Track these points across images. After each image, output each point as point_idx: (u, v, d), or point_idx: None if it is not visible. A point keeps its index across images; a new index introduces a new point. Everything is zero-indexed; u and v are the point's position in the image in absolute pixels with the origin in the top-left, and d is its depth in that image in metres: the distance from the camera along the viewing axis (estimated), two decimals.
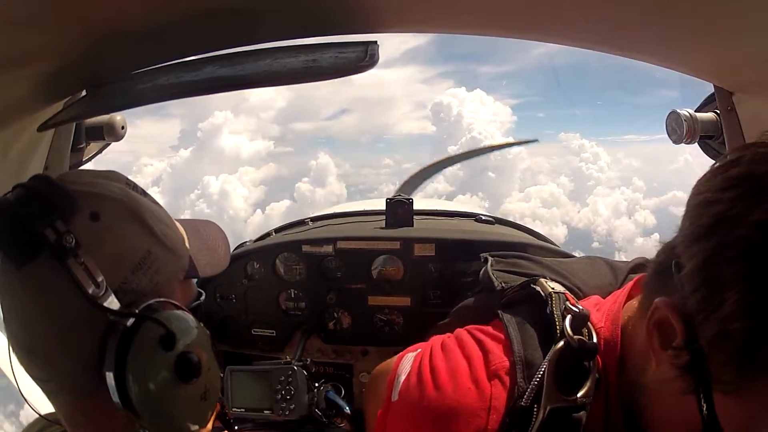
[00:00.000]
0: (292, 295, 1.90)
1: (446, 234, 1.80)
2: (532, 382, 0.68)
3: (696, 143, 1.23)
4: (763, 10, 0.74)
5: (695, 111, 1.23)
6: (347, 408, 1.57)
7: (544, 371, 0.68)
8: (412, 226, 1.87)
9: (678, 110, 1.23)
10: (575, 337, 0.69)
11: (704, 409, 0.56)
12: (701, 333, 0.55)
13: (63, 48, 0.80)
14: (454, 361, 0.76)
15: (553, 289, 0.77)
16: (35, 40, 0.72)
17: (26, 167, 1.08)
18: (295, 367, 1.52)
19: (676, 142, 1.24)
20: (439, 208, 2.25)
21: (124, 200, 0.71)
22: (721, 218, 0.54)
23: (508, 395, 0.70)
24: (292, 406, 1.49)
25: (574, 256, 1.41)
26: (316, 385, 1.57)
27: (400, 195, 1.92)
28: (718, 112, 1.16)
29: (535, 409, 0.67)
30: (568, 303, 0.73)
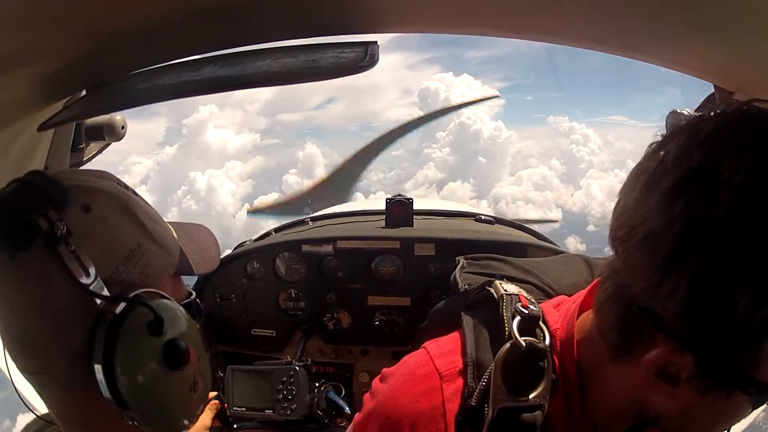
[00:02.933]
0: (292, 295, 1.90)
1: (446, 234, 1.80)
2: (480, 383, 0.69)
3: None
4: (764, 10, 0.74)
5: (695, 111, 1.23)
6: (347, 408, 1.58)
7: (491, 371, 0.68)
8: (412, 225, 1.87)
9: (678, 110, 1.23)
10: (522, 339, 0.68)
11: (752, 390, 0.54)
12: (720, 348, 0.51)
13: (63, 48, 0.80)
14: (398, 383, 0.77)
15: (505, 291, 0.77)
16: (35, 40, 0.72)
17: (26, 167, 1.07)
18: (297, 368, 1.53)
19: None
20: (439, 208, 2.25)
21: (115, 194, 0.72)
22: (686, 234, 0.49)
23: (462, 395, 0.70)
24: (293, 407, 1.50)
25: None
26: (317, 385, 1.58)
27: (399, 195, 1.92)
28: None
29: (485, 409, 0.67)
30: (519, 305, 0.73)
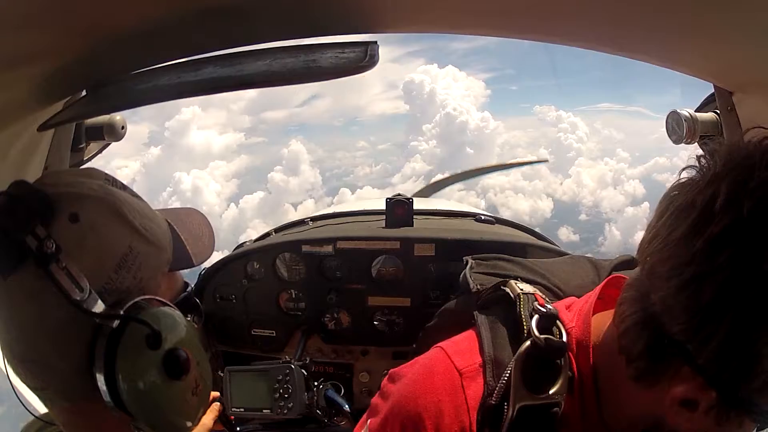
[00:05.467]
0: (292, 296, 1.89)
1: (446, 234, 1.80)
2: (500, 381, 0.69)
3: (696, 143, 1.23)
4: (763, 10, 0.74)
5: (695, 111, 1.23)
6: (346, 406, 1.57)
7: (511, 370, 0.69)
8: (412, 226, 1.86)
9: (678, 110, 1.23)
10: (541, 336, 0.69)
11: (762, 420, 0.58)
12: (741, 390, 0.55)
13: (63, 48, 0.80)
14: (416, 381, 0.76)
15: (521, 290, 0.78)
16: (35, 40, 0.72)
17: (26, 167, 1.07)
18: (293, 366, 1.52)
19: (676, 142, 1.24)
20: (439, 208, 2.25)
21: (103, 198, 0.70)
22: (730, 285, 0.50)
23: (482, 394, 0.71)
24: (290, 405, 1.49)
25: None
26: (316, 384, 1.57)
27: (400, 195, 1.91)
28: (718, 112, 1.16)
29: (505, 407, 0.68)
30: (536, 303, 0.75)
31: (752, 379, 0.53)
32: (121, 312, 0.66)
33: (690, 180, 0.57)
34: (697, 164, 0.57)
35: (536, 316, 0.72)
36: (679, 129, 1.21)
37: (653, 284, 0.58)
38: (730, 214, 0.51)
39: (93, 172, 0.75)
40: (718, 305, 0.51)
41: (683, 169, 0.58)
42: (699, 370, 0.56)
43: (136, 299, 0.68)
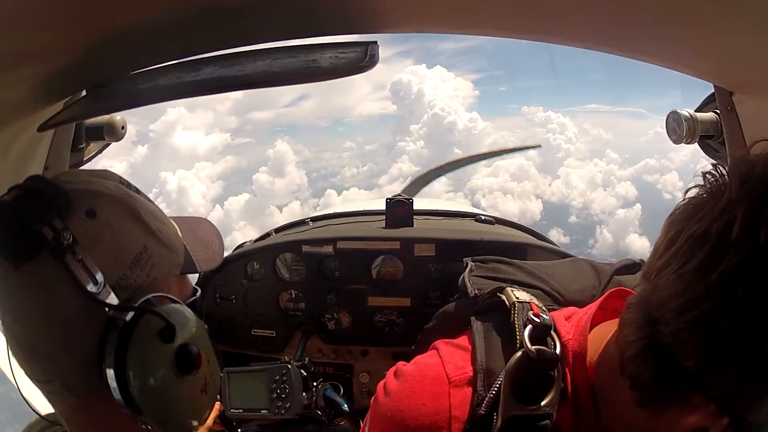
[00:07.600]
0: (293, 296, 1.89)
1: (446, 234, 1.80)
2: (490, 391, 0.69)
3: (696, 143, 1.23)
4: (763, 10, 0.74)
5: (695, 111, 1.23)
6: (345, 405, 1.57)
7: (501, 380, 0.69)
8: (412, 226, 1.87)
9: (678, 110, 1.23)
10: (533, 347, 0.69)
11: None
12: (750, 414, 0.55)
13: (63, 48, 0.80)
14: (407, 382, 0.77)
15: (517, 298, 0.77)
16: (35, 40, 0.72)
17: (26, 167, 1.08)
18: (290, 366, 1.51)
19: (676, 141, 1.24)
20: (439, 208, 2.25)
21: (119, 197, 0.71)
22: (745, 320, 0.50)
23: (470, 403, 0.71)
24: (287, 405, 1.49)
25: (573, 257, 1.41)
26: (314, 384, 1.57)
27: (400, 195, 1.92)
28: (718, 111, 1.16)
29: (494, 417, 0.67)
30: (530, 313, 0.74)
31: (765, 404, 0.54)
32: (136, 305, 0.66)
33: (701, 202, 0.55)
34: (704, 182, 0.55)
35: (529, 326, 0.72)
36: (679, 129, 1.21)
37: (664, 316, 0.56)
38: (747, 244, 0.49)
39: (108, 173, 0.76)
40: (732, 339, 0.51)
41: (688, 189, 0.57)
42: (713, 399, 0.55)
43: (148, 296, 0.68)
